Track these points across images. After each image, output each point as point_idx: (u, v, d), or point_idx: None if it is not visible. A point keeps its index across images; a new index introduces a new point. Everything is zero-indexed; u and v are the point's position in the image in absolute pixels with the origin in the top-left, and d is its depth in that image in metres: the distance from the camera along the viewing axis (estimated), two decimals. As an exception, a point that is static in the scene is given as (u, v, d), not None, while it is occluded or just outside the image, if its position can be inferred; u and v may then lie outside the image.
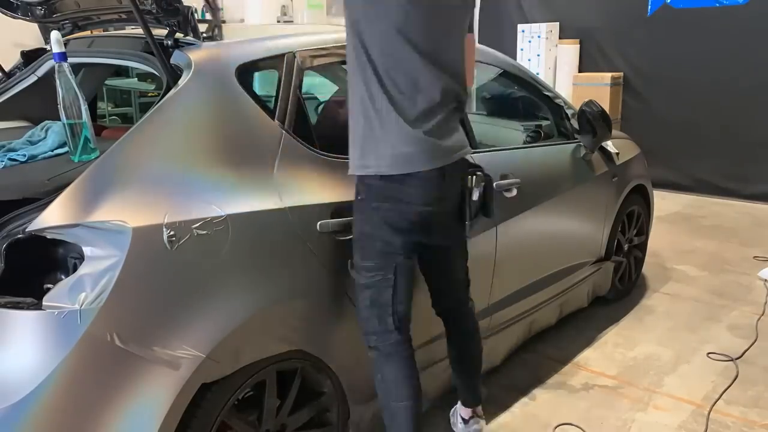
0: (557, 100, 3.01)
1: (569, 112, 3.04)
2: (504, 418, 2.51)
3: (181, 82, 1.71)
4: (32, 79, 2.40)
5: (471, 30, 1.97)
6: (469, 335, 2.19)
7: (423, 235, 1.87)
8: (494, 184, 2.06)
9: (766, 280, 3.92)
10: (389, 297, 1.83)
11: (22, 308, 1.41)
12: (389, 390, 1.91)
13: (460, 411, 2.29)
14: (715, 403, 2.61)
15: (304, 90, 2.00)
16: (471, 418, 2.24)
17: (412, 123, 1.74)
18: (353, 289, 1.92)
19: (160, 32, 1.80)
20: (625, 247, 3.57)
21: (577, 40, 6.72)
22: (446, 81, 1.80)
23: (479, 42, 2.58)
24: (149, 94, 5.55)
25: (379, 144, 1.74)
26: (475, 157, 2.43)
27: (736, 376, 2.80)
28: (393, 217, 1.79)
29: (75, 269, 1.45)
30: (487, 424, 2.43)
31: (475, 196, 1.95)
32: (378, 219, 1.79)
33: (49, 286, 1.45)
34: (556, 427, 2.46)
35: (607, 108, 4.02)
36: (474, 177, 1.94)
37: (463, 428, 2.27)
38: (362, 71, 1.73)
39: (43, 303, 1.40)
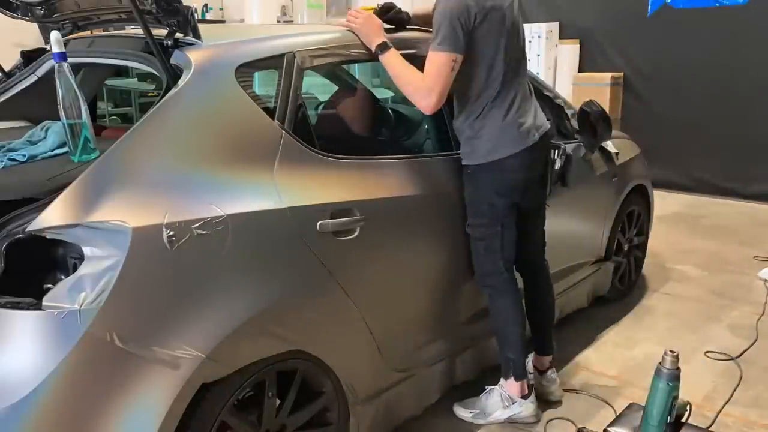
0: (557, 100, 3.00)
1: (569, 112, 3.03)
2: (504, 418, 2.51)
3: (181, 82, 1.71)
4: (32, 79, 2.40)
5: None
6: (544, 288, 2.62)
7: (519, 197, 2.31)
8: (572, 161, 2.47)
9: (766, 280, 3.92)
10: (499, 245, 2.30)
11: (22, 308, 1.41)
12: (502, 318, 2.39)
13: (533, 362, 2.61)
14: (724, 405, 2.60)
15: (304, 90, 2.00)
16: (548, 369, 2.61)
17: (505, 116, 2.21)
18: (353, 289, 1.93)
19: (160, 32, 1.80)
20: (625, 247, 3.56)
21: (577, 40, 6.72)
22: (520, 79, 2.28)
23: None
24: (149, 94, 5.55)
25: (483, 139, 2.22)
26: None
27: (741, 377, 2.80)
28: (497, 184, 2.24)
29: (75, 269, 1.45)
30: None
31: (557, 166, 2.45)
32: (486, 186, 2.25)
33: (49, 286, 1.45)
34: (548, 422, 2.47)
35: (607, 108, 4.00)
36: (557, 150, 2.43)
37: (539, 377, 2.59)
38: (475, 91, 2.21)
39: (43, 303, 1.40)
